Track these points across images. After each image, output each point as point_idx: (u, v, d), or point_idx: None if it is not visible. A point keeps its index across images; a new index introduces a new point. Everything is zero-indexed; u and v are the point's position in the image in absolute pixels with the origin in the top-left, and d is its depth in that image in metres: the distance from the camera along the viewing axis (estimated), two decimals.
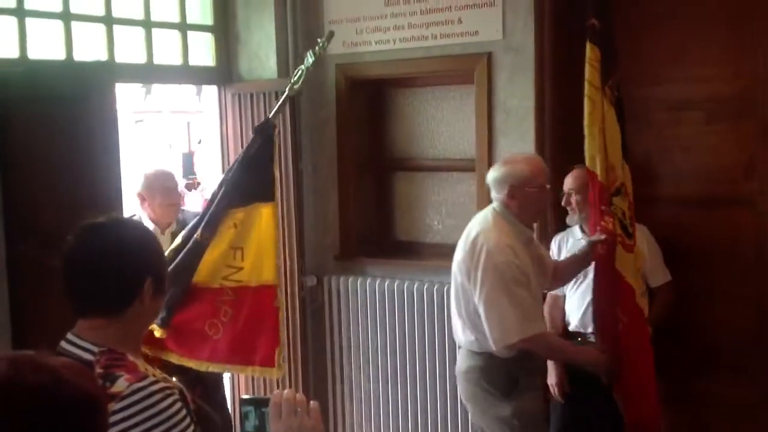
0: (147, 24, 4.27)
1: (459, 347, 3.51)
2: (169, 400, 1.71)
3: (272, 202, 3.42)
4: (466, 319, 3.29)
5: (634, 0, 3.84)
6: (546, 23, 3.87)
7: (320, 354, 4.66)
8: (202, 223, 3.38)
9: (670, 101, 3.83)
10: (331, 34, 3.79)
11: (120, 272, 1.82)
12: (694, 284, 3.75)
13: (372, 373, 4.51)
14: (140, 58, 4.27)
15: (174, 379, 1.93)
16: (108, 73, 3.49)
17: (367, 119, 4.67)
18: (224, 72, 4.67)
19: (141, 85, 9.87)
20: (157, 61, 4.35)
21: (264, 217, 3.39)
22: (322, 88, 4.58)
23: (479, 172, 4.16)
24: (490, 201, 4.08)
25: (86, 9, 4.01)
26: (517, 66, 3.98)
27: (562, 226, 3.83)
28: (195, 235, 3.35)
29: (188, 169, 10.96)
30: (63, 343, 1.81)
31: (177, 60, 4.48)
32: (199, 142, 11.07)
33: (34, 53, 3.72)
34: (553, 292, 3.80)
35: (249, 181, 3.40)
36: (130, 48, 4.25)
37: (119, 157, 3.31)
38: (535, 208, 3.32)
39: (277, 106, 3.68)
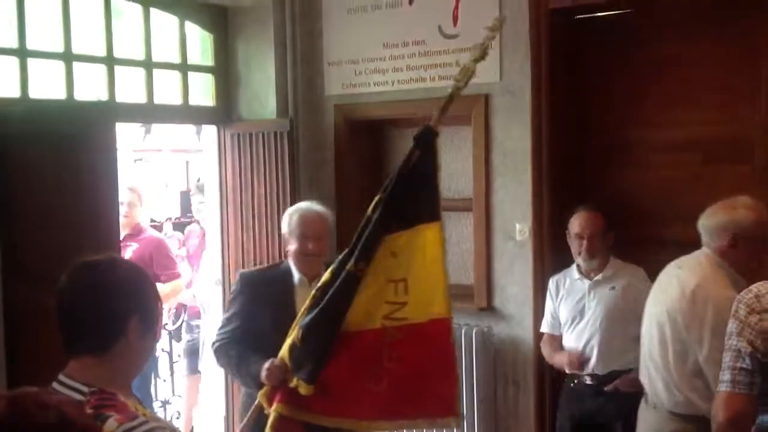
0: (148, 64, 4.31)
1: (650, 405, 3.14)
2: None
3: (438, 221, 2.90)
4: (678, 376, 2.96)
5: (635, 44, 3.90)
6: (542, 66, 3.92)
7: None
8: (356, 252, 2.87)
9: (669, 143, 3.86)
10: (502, 20, 3.10)
11: (104, 310, 1.81)
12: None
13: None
14: (141, 98, 4.31)
15: None
16: (109, 112, 3.52)
17: (365, 159, 4.70)
18: (224, 112, 4.71)
19: (141, 124, 9.94)
20: (157, 100, 4.38)
21: (429, 239, 2.88)
22: (321, 128, 4.62)
23: (476, 212, 4.18)
24: (486, 240, 4.13)
25: (88, 49, 4.05)
26: (514, 108, 4.01)
27: (559, 267, 3.83)
28: (347, 267, 2.86)
29: (187, 207, 10.98)
30: (54, 384, 1.80)
31: (177, 100, 4.52)
32: (198, 181, 11.06)
33: (35, 92, 3.76)
34: (548, 331, 3.79)
35: (409, 200, 2.89)
36: (131, 87, 4.29)
37: (118, 195, 3.32)
38: (754, 258, 3.02)
39: (438, 113, 3.08)
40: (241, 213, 4.61)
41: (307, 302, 2.94)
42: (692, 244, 3.85)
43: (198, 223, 6.18)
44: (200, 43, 4.73)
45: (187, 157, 12.29)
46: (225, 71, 4.71)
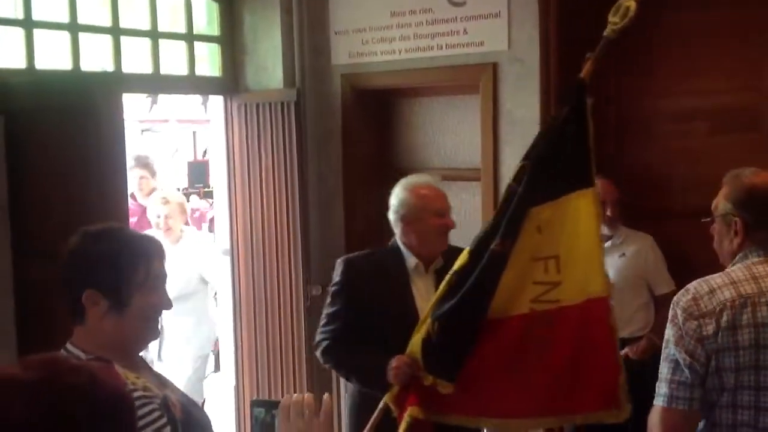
0: (154, 35, 4.29)
1: None
2: (146, 409, 1.71)
3: (591, 187, 2.56)
4: None
5: (646, 12, 3.84)
6: (551, 34, 3.88)
7: None
8: (501, 228, 2.56)
9: (677, 113, 3.84)
10: None
11: (61, 282, 1.84)
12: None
13: None
14: (147, 69, 4.29)
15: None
16: (115, 83, 3.51)
17: (372, 129, 4.68)
18: (231, 82, 4.69)
19: (147, 95, 9.91)
20: (163, 71, 4.36)
21: (582, 209, 2.54)
22: (328, 98, 4.59)
23: (484, 182, 4.16)
24: (494, 210, 4.11)
25: (93, 20, 4.03)
26: (522, 76, 3.98)
27: None
28: (492, 246, 2.55)
29: (196, 178, 10.98)
30: (62, 352, 1.84)
31: (184, 70, 4.50)
32: (205, 152, 11.07)
33: (41, 64, 3.74)
34: None
35: (558, 165, 2.56)
36: (137, 58, 4.28)
37: (125, 167, 3.32)
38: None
39: (591, 61, 2.78)
40: (249, 183, 4.61)
41: (441, 289, 2.64)
42: (703, 213, 3.85)
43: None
44: (206, 13, 4.70)
45: (194, 127, 12.26)
46: (231, 41, 4.68)
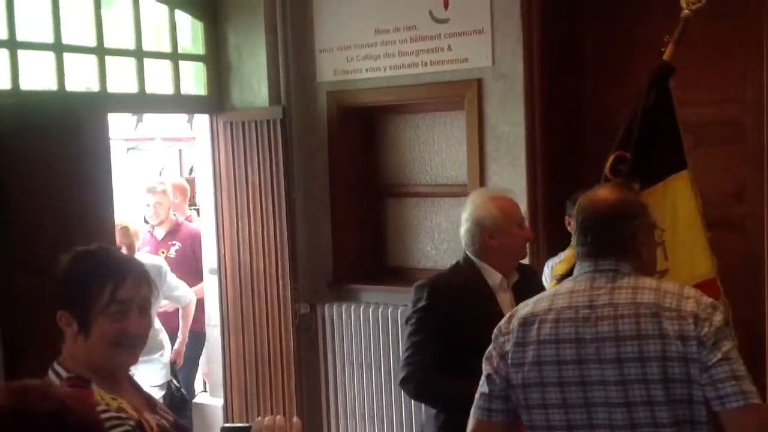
0: (139, 54, 4.29)
1: None
2: (116, 431, 1.70)
3: (686, 168, 2.54)
4: None
5: (629, 24, 3.89)
6: (534, 50, 3.91)
7: (314, 381, 4.65)
8: None
9: None
10: None
11: (57, 300, 1.85)
12: None
13: (366, 400, 4.49)
14: (132, 88, 4.29)
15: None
16: (100, 103, 3.51)
17: (358, 146, 4.69)
18: (216, 101, 4.69)
19: (133, 114, 9.88)
20: (149, 90, 4.37)
21: (680, 191, 2.52)
22: (314, 115, 4.61)
23: None
24: None
25: (78, 40, 4.03)
26: (506, 92, 4.01)
27: (554, 251, 3.85)
28: None
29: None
30: (50, 370, 1.84)
31: (169, 89, 4.51)
32: (191, 170, 11.04)
33: (26, 84, 3.74)
34: None
35: (652, 150, 2.52)
36: (122, 78, 4.28)
37: (112, 186, 3.31)
38: None
39: (672, 43, 2.74)
40: (236, 201, 4.61)
41: None
42: None
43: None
44: (191, 32, 4.71)
45: (179, 145, 12.25)
46: (216, 59, 4.69)
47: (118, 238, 4.41)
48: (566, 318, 2.00)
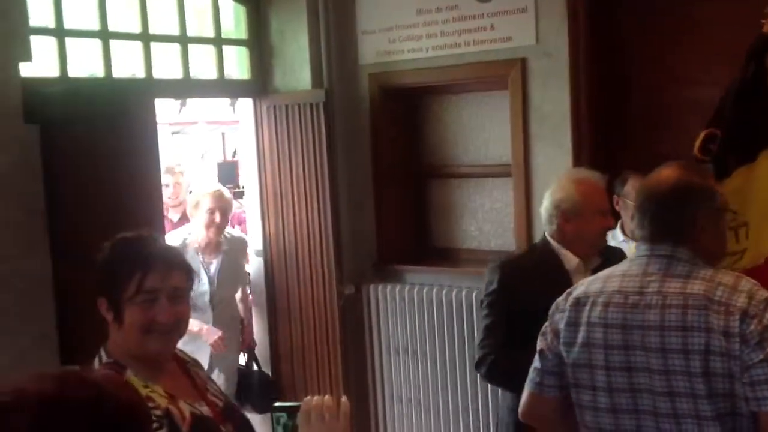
0: (183, 39, 4.32)
1: None
2: None
3: None
4: None
5: (674, 4, 3.81)
6: (580, 28, 3.85)
7: (360, 363, 4.68)
8: None
9: (703, 106, 3.79)
10: None
11: (97, 288, 1.91)
12: None
13: (413, 380, 4.52)
14: (177, 74, 4.33)
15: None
16: (147, 89, 3.54)
17: (401, 127, 4.68)
18: (259, 84, 4.72)
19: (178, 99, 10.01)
20: (193, 75, 4.40)
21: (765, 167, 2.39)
22: (356, 97, 4.61)
23: (515, 178, 4.15)
24: (526, 205, 4.11)
25: (123, 27, 4.08)
26: (551, 71, 3.96)
27: None
28: None
29: (225, 178, 11.09)
30: (96, 355, 1.91)
31: (213, 74, 4.54)
32: (234, 153, 11.15)
33: (73, 72, 3.80)
34: None
35: (747, 128, 2.41)
36: (167, 63, 4.32)
37: (160, 171, 3.36)
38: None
39: None
40: (280, 184, 4.64)
41: None
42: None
43: None
44: (234, 16, 4.73)
45: (222, 128, 12.36)
46: (259, 43, 4.71)
47: (212, 202, 4.45)
48: (616, 302, 1.98)
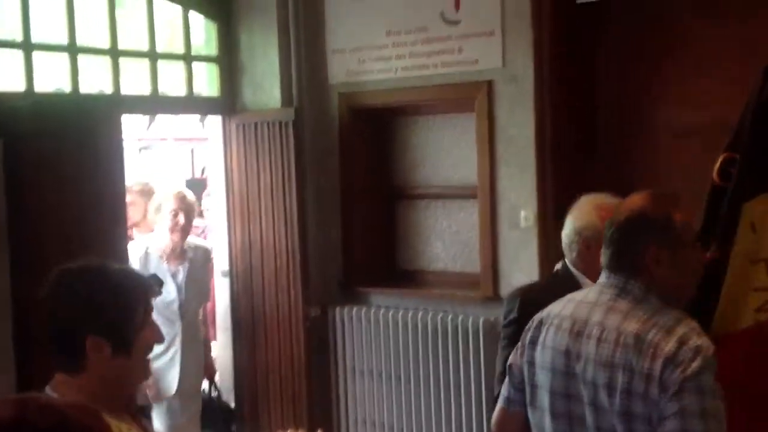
0: (152, 55, 4.31)
1: None
2: None
3: None
4: None
5: (638, 27, 3.89)
6: (545, 52, 3.91)
7: (325, 385, 4.65)
8: (716, 231, 2.25)
9: (671, 128, 3.87)
10: None
11: (57, 327, 1.73)
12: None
13: (378, 403, 4.50)
14: (145, 89, 4.32)
15: None
16: (114, 105, 3.52)
17: (369, 147, 4.70)
18: (228, 102, 4.72)
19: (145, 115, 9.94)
20: (162, 91, 4.39)
21: None
22: (325, 117, 4.62)
23: (481, 200, 4.18)
24: (491, 228, 4.14)
25: (92, 41, 4.06)
26: (517, 94, 4.01)
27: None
28: (707, 255, 2.23)
29: (194, 195, 10.99)
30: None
31: (182, 90, 4.53)
32: (203, 171, 11.06)
33: (40, 86, 3.77)
34: None
35: (764, 152, 2.28)
36: (135, 79, 4.30)
37: (125, 187, 3.33)
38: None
39: None
40: (247, 202, 4.62)
41: None
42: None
43: None
44: (204, 33, 4.73)
45: (191, 145, 12.28)
46: (229, 61, 4.71)
47: (175, 204, 4.24)
48: (564, 328, 1.99)
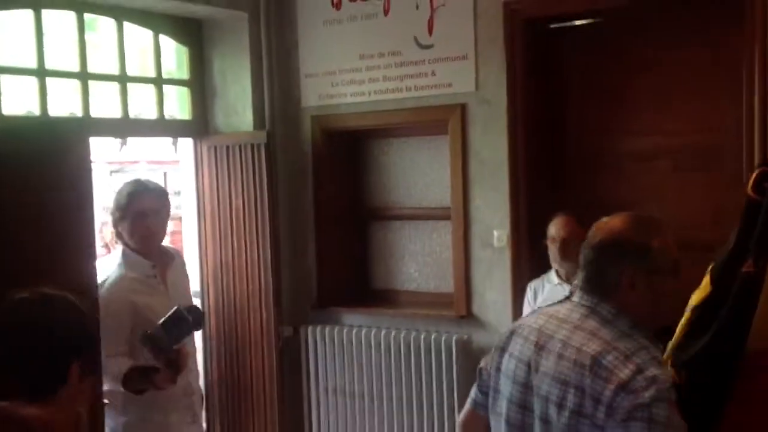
0: (122, 79, 4.29)
1: None
2: None
3: None
4: None
5: (610, 52, 3.94)
6: (518, 76, 3.95)
7: (297, 405, 4.62)
8: (751, 247, 2.20)
9: (642, 150, 3.91)
10: None
11: (40, 354, 1.72)
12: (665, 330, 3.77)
13: (350, 423, 4.47)
14: (116, 113, 4.29)
15: None
16: (82, 128, 3.48)
17: (343, 170, 4.70)
18: (200, 125, 4.70)
19: (116, 138, 9.88)
20: (132, 114, 4.37)
21: None
22: (298, 139, 4.62)
23: (454, 221, 4.20)
24: (464, 248, 4.15)
25: (61, 65, 4.03)
26: (490, 117, 4.04)
27: (536, 273, 3.86)
28: (743, 269, 2.19)
29: None
30: None
31: (153, 114, 4.51)
32: (177, 193, 10.98)
33: (8, 109, 3.73)
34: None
35: None
36: (105, 102, 4.27)
37: (93, 212, 3.29)
38: None
39: None
40: (219, 225, 4.60)
41: (678, 332, 2.32)
42: None
43: None
44: (175, 57, 4.72)
45: (164, 168, 12.22)
46: (201, 84, 4.70)
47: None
48: (531, 340, 1.99)
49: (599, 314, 1.93)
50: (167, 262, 3.47)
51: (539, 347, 1.96)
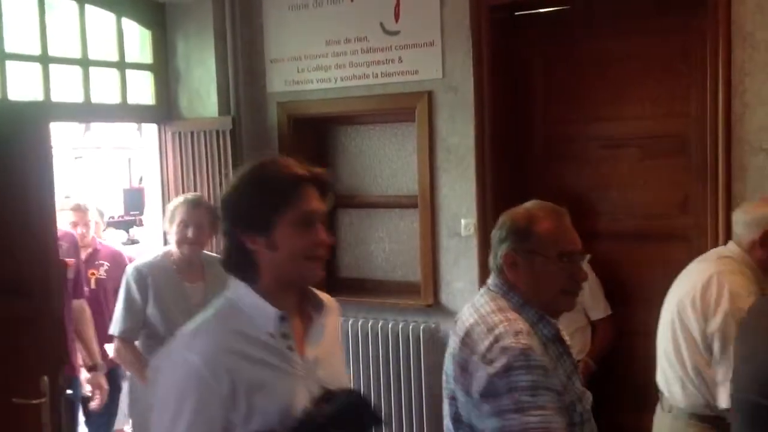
0: (84, 62, 4.21)
1: (666, 409, 2.92)
2: None
3: None
4: (693, 372, 2.74)
5: (575, 40, 3.95)
6: (484, 63, 3.94)
7: None
8: None
9: (607, 139, 3.93)
10: None
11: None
12: (631, 318, 3.81)
13: None
14: (78, 97, 4.20)
15: None
16: (43, 112, 3.41)
17: (310, 157, 4.57)
18: (164, 110, 4.63)
19: (79, 123, 9.73)
20: (95, 99, 4.29)
21: None
22: (264, 125, 4.57)
23: (421, 208, 4.19)
24: (432, 236, 4.15)
25: (21, 48, 3.94)
26: (457, 104, 4.03)
27: None
28: None
29: (132, 205, 10.80)
30: None
31: (116, 98, 4.43)
32: (141, 180, 10.88)
33: None
34: None
35: None
36: (67, 86, 4.19)
37: (53, 197, 3.22)
38: None
39: None
40: None
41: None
42: (628, 237, 3.86)
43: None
44: (138, 40, 4.64)
45: (129, 154, 12.06)
46: (164, 69, 4.63)
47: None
48: (456, 332, 2.03)
49: (489, 290, 2.03)
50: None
51: (455, 333, 2.02)
